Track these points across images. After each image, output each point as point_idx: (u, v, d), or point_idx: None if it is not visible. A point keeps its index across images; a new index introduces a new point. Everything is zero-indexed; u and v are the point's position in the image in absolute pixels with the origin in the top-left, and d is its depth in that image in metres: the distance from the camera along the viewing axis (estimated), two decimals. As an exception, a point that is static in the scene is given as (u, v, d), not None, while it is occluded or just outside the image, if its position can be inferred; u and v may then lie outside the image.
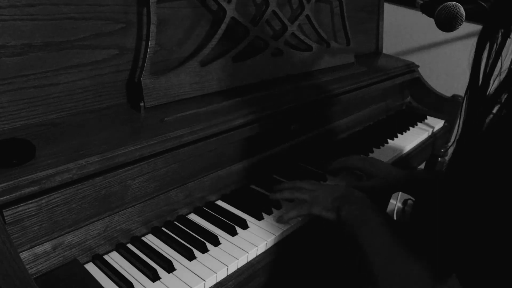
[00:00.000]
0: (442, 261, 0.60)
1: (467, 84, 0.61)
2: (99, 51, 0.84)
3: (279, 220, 0.86)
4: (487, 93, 0.58)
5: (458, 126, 0.72)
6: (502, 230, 0.50)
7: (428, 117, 1.56)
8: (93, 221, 0.73)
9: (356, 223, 0.77)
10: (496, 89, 0.56)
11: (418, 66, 1.59)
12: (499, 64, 0.58)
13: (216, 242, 0.79)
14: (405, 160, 1.30)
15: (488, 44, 0.58)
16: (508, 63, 0.57)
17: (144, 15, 0.88)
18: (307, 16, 1.21)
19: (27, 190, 0.61)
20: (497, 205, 0.51)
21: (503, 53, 0.58)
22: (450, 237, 0.57)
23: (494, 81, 0.58)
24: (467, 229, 0.55)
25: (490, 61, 0.58)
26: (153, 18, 0.85)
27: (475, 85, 0.60)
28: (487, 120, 0.58)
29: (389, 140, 1.31)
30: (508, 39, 0.57)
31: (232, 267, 0.75)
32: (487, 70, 0.58)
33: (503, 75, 0.56)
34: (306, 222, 0.89)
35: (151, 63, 0.87)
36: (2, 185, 0.59)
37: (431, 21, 0.99)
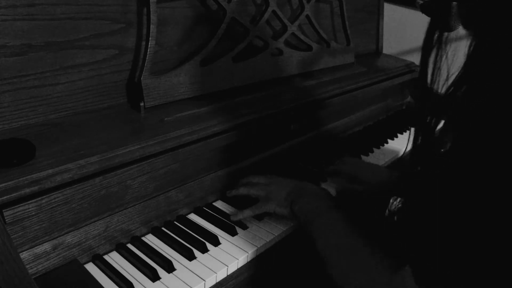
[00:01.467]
0: (399, 253, 0.59)
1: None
2: (99, 51, 0.84)
3: (233, 217, 0.85)
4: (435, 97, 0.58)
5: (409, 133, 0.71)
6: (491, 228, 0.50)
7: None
8: (93, 221, 0.73)
9: (308, 217, 0.75)
10: (446, 92, 0.56)
11: (418, 66, 1.59)
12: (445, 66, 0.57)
13: (216, 242, 0.79)
14: (405, 160, 1.30)
15: (435, 46, 0.57)
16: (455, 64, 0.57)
17: (144, 15, 0.88)
18: (307, 16, 1.21)
19: (27, 190, 0.61)
20: (469, 207, 0.50)
21: (450, 55, 0.57)
22: (441, 237, 0.57)
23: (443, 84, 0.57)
24: (457, 230, 0.55)
25: (438, 62, 0.57)
26: (153, 18, 0.85)
27: (424, 90, 0.59)
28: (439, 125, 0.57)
29: (389, 140, 1.31)
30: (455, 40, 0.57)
31: (232, 267, 0.75)
32: (439, 66, 0.57)
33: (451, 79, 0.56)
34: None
35: (151, 63, 0.87)
36: (2, 185, 0.59)
37: (431, 21, 0.99)
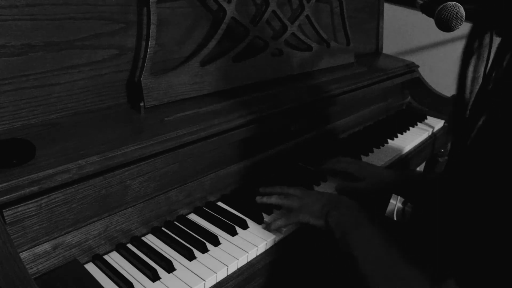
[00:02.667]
0: (440, 264, 0.59)
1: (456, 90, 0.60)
2: (99, 51, 0.84)
3: (267, 228, 0.84)
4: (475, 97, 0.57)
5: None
6: (500, 232, 0.50)
7: (428, 117, 1.56)
8: (93, 221, 0.73)
9: (345, 229, 0.75)
10: (480, 94, 0.55)
11: (418, 66, 1.59)
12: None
13: (216, 242, 0.79)
14: (405, 160, 1.30)
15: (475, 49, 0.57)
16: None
17: (144, 15, 0.88)
18: (307, 16, 1.21)
19: (27, 190, 0.61)
20: (492, 208, 0.50)
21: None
22: (450, 240, 0.57)
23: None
24: (465, 231, 0.54)
25: (483, 64, 0.56)
26: (153, 18, 0.85)
27: (462, 90, 0.59)
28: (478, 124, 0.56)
29: (389, 140, 1.31)
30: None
31: (232, 267, 0.75)
32: (479, 74, 0.57)
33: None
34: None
35: (151, 63, 0.87)
36: (2, 185, 0.59)
37: (431, 21, 0.99)
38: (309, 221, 0.83)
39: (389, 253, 0.67)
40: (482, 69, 0.56)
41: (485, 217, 0.52)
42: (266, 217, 0.87)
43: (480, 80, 0.57)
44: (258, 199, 0.91)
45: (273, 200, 0.89)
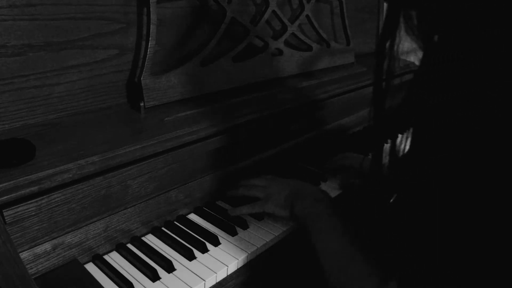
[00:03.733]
0: (388, 264, 0.59)
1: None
2: (99, 51, 0.84)
3: (231, 212, 0.86)
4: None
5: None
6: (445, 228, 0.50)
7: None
8: (93, 221, 0.73)
9: (307, 221, 0.76)
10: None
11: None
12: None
13: (216, 242, 0.79)
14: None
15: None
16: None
17: (144, 15, 0.88)
18: (307, 16, 1.21)
19: (27, 190, 0.61)
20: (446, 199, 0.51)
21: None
22: (397, 239, 0.57)
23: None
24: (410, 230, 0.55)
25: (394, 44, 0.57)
26: (153, 18, 0.85)
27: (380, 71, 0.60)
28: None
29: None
30: None
31: (232, 267, 0.75)
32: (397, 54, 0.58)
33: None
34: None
35: (151, 63, 0.87)
36: (2, 185, 0.59)
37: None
38: (274, 212, 0.84)
39: (347, 248, 0.67)
40: (400, 49, 0.57)
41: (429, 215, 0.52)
42: (266, 217, 0.87)
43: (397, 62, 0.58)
44: (228, 193, 0.93)
45: (240, 191, 0.91)
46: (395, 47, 0.57)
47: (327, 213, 0.75)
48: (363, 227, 0.70)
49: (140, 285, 0.69)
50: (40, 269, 0.67)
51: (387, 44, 0.57)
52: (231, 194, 0.92)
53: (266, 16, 1.08)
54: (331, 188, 1.00)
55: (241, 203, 0.90)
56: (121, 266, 0.73)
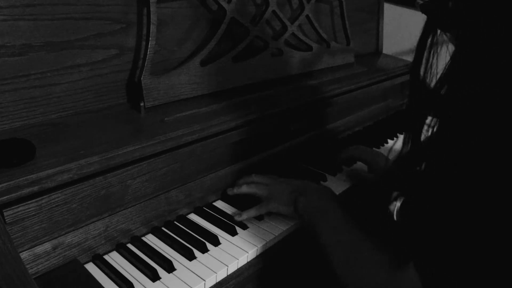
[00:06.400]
0: (400, 249, 0.59)
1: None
2: (99, 51, 0.84)
3: (237, 218, 0.85)
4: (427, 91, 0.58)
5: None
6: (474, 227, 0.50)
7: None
8: (93, 221, 0.73)
9: (313, 215, 0.76)
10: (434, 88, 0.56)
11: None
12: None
13: (216, 242, 0.79)
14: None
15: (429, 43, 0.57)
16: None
17: (144, 15, 0.88)
18: (307, 16, 1.21)
19: (27, 190, 0.61)
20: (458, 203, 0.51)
21: (442, 53, 0.57)
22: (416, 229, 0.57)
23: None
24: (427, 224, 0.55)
25: (431, 60, 0.57)
26: (153, 18, 0.85)
27: (417, 84, 0.60)
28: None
29: (389, 140, 1.31)
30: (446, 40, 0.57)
31: (232, 267, 0.75)
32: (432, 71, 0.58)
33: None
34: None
35: (151, 63, 0.87)
36: (2, 185, 0.59)
37: (431, 21, 0.99)
38: (279, 210, 0.84)
39: (353, 237, 0.68)
40: (435, 62, 0.57)
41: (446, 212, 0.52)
42: (266, 216, 0.87)
43: (433, 72, 0.58)
44: (229, 190, 0.92)
45: (242, 189, 0.90)
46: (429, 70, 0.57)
47: (333, 206, 0.76)
48: (372, 222, 0.71)
49: (140, 285, 0.69)
50: (40, 269, 0.67)
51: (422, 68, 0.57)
52: (233, 192, 0.92)
53: (266, 16, 1.08)
54: (341, 181, 1.00)
55: (241, 203, 0.90)
56: (121, 266, 0.73)
